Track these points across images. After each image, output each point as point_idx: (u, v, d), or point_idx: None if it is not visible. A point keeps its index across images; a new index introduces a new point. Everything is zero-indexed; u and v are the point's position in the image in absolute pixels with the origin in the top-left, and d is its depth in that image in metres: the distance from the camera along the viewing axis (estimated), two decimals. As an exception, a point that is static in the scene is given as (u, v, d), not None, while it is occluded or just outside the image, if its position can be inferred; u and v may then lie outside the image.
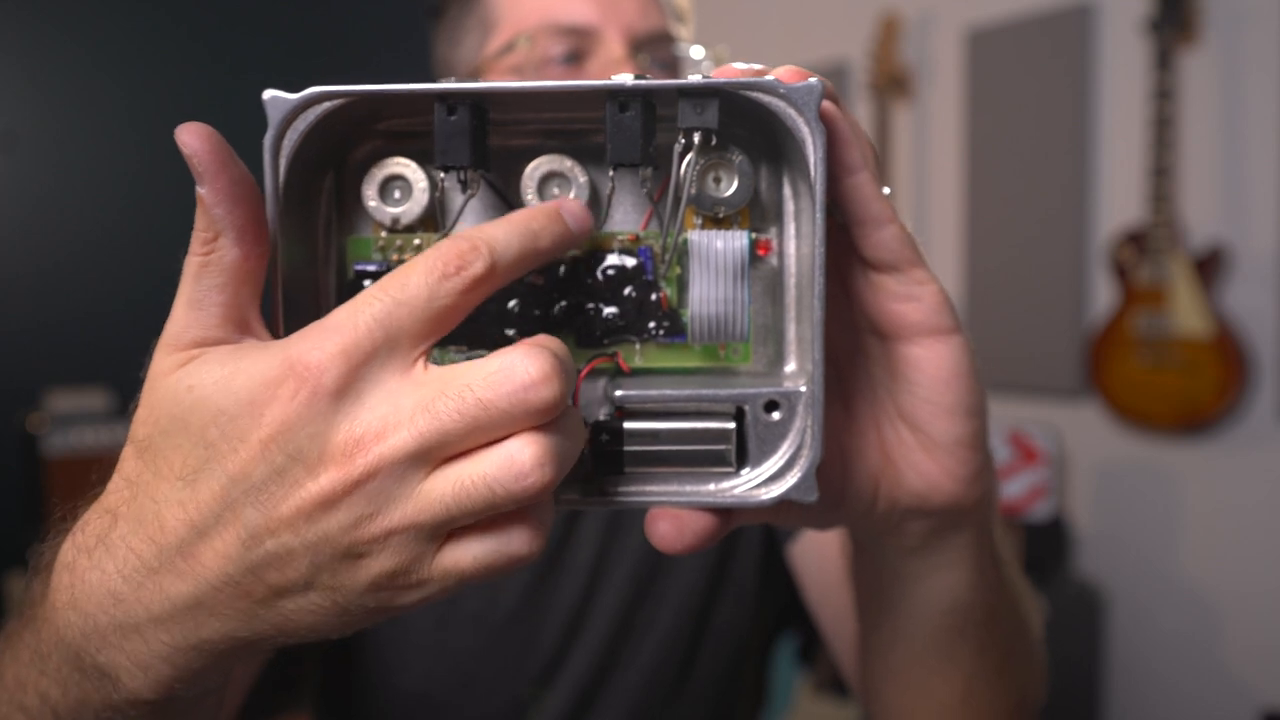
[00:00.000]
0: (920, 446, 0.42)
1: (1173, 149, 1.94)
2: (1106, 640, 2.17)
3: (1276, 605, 1.93)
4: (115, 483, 0.35)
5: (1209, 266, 1.92)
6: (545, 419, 0.32)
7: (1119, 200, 2.13)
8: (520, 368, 0.31)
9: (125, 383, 2.86)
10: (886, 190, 0.39)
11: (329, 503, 0.31)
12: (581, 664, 0.88)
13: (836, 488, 0.42)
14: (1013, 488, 2.16)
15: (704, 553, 0.90)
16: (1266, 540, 1.94)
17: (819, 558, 0.84)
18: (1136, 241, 2.01)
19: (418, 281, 0.32)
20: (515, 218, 0.34)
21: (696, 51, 0.86)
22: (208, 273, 0.34)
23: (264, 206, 0.35)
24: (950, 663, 0.53)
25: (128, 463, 0.34)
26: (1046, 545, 2.13)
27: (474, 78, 0.84)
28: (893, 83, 2.48)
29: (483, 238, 0.33)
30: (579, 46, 0.80)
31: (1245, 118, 1.94)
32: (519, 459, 0.31)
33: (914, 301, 0.39)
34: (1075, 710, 2.11)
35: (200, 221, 0.33)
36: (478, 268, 0.32)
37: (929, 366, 0.40)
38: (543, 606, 0.88)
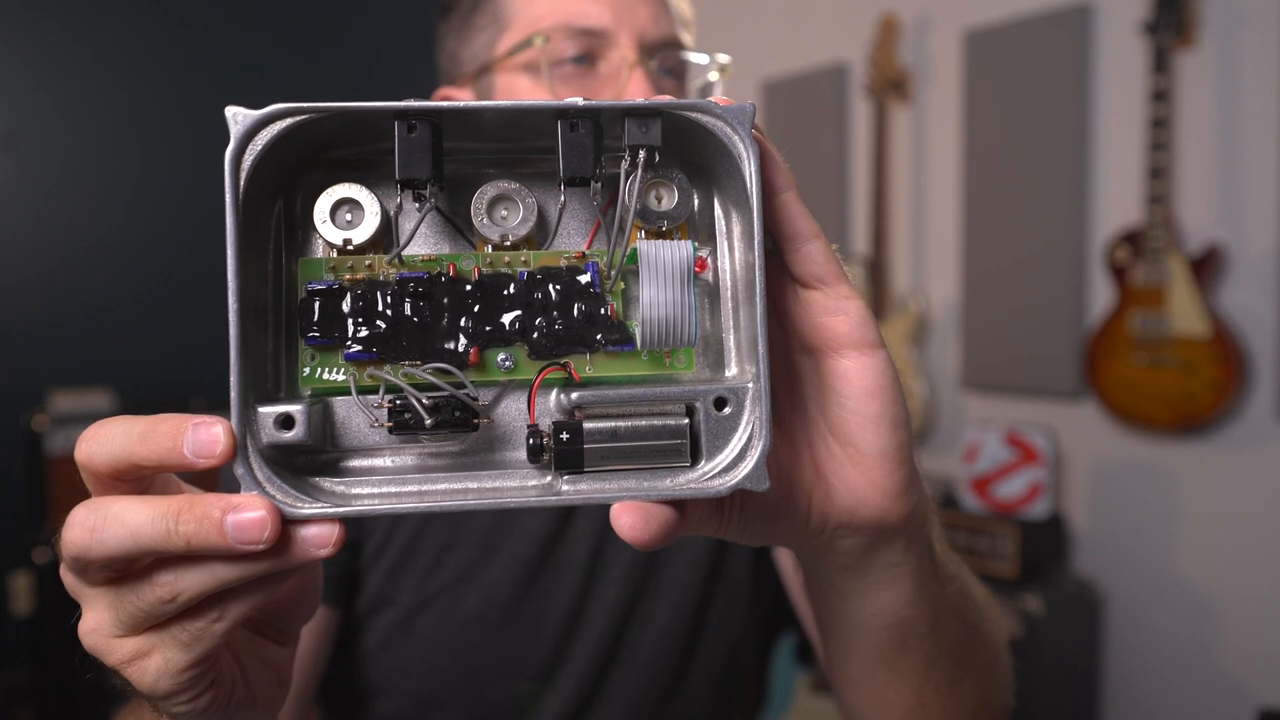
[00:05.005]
0: (849, 460, 0.44)
1: (1170, 150, 1.95)
2: (1103, 639, 2.18)
3: (1274, 604, 1.94)
4: None
5: (1206, 267, 1.93)
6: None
7: (1117, 201, 2.14)
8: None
9: (127, 384, 2.87)
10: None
11: None
12: (581, 660, 0.89)
13: (772, 504, 0.44)
14: (1010, 487, 2.17)
15: (699, 550, 0.92)
16: (1263, 539, 1.95)
17: (794, 566, 0.86)
18: (1133, 242, 2.02)
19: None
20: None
21: (700, 58, 0.87)
22: None
23: None
24: (898, 674, 0.55)
25: None
26: (1044, 544, 2.14)
27: (483, 74, 0.85)
28: (891, 84, 2.49)
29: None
30: (592, 48, 0.81)
31: (1242, 119, 1.95)
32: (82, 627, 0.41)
33: (841, 315, 0.42)
34: (1072, 709, 2.12)
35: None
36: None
37: (855, 378, 0.42)
38: (541, 604, 0.89)
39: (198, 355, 2.42)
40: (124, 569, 0.39)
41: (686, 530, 0.41)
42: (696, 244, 0.41)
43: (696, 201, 0.42)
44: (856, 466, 0.44)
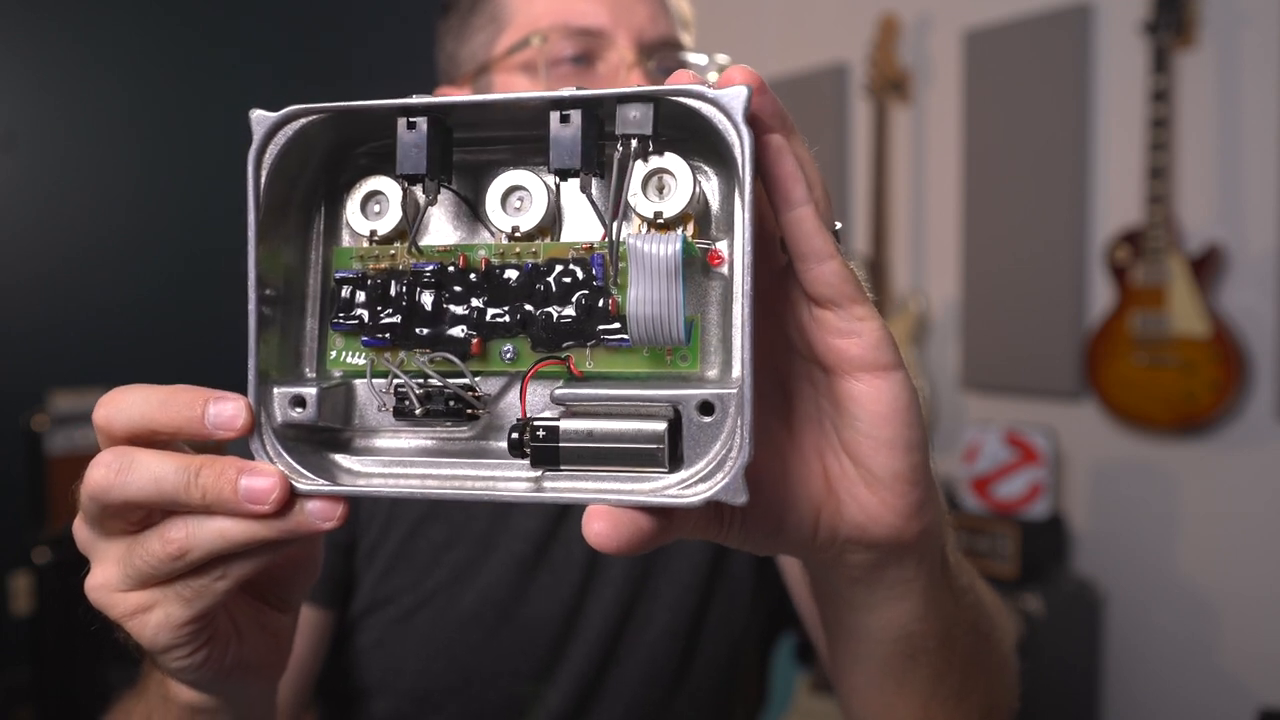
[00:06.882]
0: (861, 479, 0.42)
1: (1170, 150, 1.95)
2: (1103, 639, 2.18)
3: (1274, 604, 1.94)
4: None
5: (1206, 267, 1.93)
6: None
7: (1117, 201, 2.14)
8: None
9: (127, 384, 2.86)
10: (839, 225, 0.40)
11: None
12: (580, 660, 0.88)
13: (777, 513, 0.43)
14: (1011, 487, 2.17)
15: (700, 551, 0.91)
16: (1263, 539, 1.95)
17: (799, 568, 0.85)
18: (1133, 242, 2.02)
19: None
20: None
21: (699, 59, 0.87)
22: None
23: None
24: (906, 687, 0.54)
25: None
26: (1044, 544, 2.14)
27: (481, 74, 0.85)
28: (891, 84, 2.49)
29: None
30: (590, 48, 0.81)
31: (1242, 119, 1.95)
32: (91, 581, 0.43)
33: (854, 337, 0.40)
34: (1072, 709, 2.12)
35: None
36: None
37: (869, 402, 0.40)
38: (539, 603, 0.88)
39: (198, 355, 2.42)
40: (138, 521, 0.42)
41: (679, 535, 0.40)
42: (710, 243, 0.39)
43: (718, 192, 0.40)
44: (869, 486, 0.42)
